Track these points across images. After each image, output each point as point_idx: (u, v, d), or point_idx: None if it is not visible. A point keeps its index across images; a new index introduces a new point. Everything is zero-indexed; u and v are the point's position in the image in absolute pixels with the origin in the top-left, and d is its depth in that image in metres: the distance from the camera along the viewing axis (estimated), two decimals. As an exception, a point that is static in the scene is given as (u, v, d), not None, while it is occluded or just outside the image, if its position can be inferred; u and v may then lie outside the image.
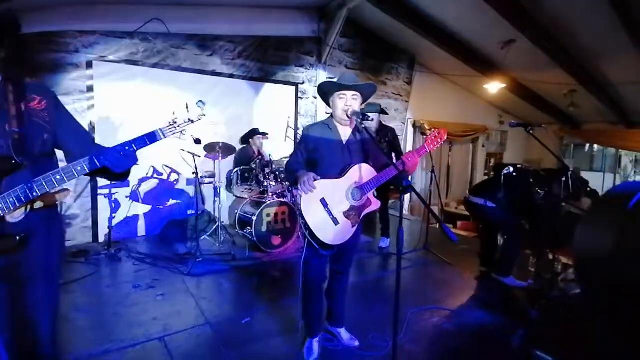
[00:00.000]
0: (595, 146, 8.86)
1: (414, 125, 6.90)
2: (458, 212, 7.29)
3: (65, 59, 3.82)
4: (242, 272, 3.41)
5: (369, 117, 1.96)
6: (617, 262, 1.35)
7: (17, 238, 1.14)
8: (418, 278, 3.44)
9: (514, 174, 3.17)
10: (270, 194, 4.05)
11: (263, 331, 2.39)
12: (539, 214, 3.07)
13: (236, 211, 4.19)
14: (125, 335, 2.28)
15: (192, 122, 1.29)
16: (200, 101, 1.30)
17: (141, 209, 4.43)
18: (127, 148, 1.20)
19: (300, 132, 5.35)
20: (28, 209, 1.17)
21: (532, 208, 3.11)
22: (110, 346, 2.15)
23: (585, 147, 9.12)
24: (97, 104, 4.01)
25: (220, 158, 4.04)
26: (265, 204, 3.79)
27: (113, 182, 3.87)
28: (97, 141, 1.41)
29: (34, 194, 1.11)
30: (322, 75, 5.52)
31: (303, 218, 1.83)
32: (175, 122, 1.27)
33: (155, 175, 4.49)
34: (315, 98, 5.61)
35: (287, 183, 4.03)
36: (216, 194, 4.20)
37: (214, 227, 4.18)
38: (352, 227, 1.92)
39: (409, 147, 6.79)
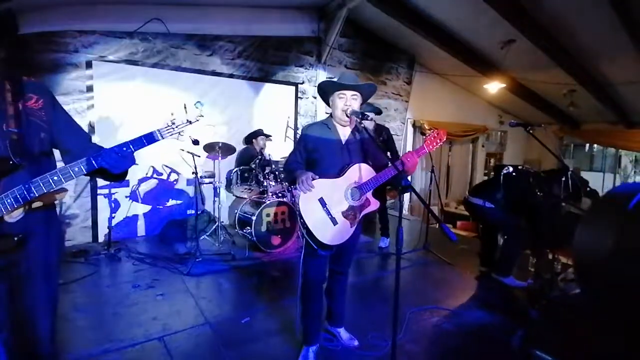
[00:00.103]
0: (595, 146, 8.86)
1: (413, 125, 6.90)
2: (458, 212, 7.29)
3: (65, 58, 3.81)
4: (241, 272, 3.41)
5: (368, 116, 1.96)
6: (617, 262, 1.35)
7: (16, 238, 1.14)
8: (417, 278, 3.43)
9: (514, 174, 3.17)
10: (270, 194, 4.05)
11: (262, 331, 2.39)
12: (539, 213, 3.07)
13: (236, 211, 4.19)
14: (124, 335, 2.28)
15: (190, 123, 1.29)
16: (199, 102, 1.30)
17: (141, 208, 4.43)
18: (125, 149, 1.20)
19: (299, 131, 5.36)
20: (26, 209, 1.16)
21: (531, 208, 3.12)
22: (110, 346, 2.15)
23: (585, 147, 9.12)
24: (96, 104, 4.01)
25: (219, 158, 4.04)
26: (264, 204, 3.79)
27: (111, 182, 3.87)
28: (96, 141, 1.41)
29: (32, 194, 1.11)
30: (321, 75, 5.52)
31: (301, 217, 1.81)
32: (174, 123, 1.27)
33: (155, 175, 4.49)
34: (315, 98, 5.61)
35: (286, 183, 4.02)
36: (216, 193, 4.19)
37: (214, 227, 4.18)
38: (351, 227, 1.91)
39: (409, 147, 6.79)
